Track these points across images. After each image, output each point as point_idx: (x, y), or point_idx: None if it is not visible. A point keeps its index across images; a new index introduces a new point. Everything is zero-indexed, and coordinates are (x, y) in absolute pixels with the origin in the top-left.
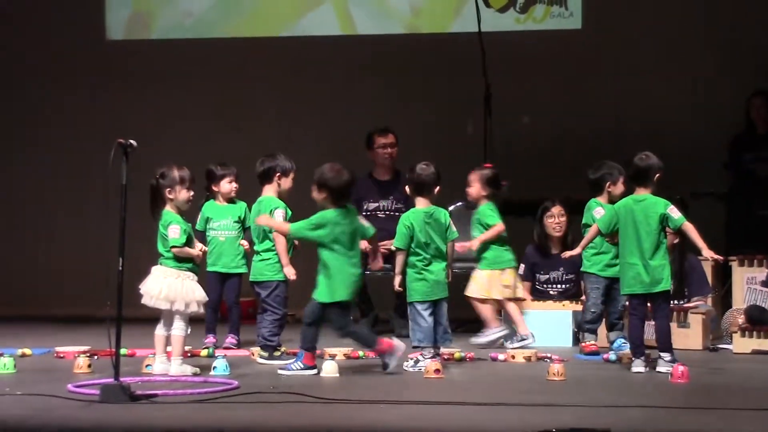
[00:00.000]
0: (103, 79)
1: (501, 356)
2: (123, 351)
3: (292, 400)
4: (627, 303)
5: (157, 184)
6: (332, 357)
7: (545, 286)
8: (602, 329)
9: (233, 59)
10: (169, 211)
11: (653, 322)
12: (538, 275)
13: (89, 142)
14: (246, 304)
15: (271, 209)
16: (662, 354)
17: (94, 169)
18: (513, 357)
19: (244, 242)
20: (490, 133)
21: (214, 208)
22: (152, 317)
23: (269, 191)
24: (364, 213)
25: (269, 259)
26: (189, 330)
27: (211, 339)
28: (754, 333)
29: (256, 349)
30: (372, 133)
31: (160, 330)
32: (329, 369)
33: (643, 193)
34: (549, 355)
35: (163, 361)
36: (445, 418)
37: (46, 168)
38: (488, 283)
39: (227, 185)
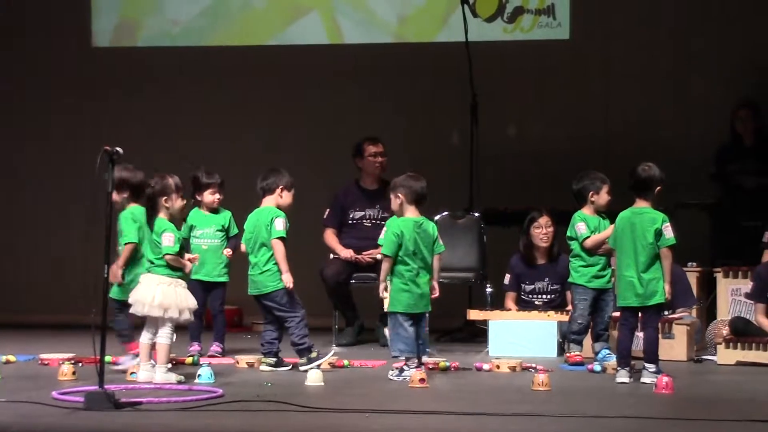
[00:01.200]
0: (89, 87)
1: (486, 366)
2: (107, 358)
3: (276, 409)
4: (617, 314)
5: (152, 192)
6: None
7: (530, 296)
8: (587, 340)
9: (220, 68)
10: (162, 218)
11: (640, 333)
12: (523, 285)
13: (74, 149)
14: (231, 312)
15: (271, 218)
16: (647, 365)
17: (80, 175)
18: (498, 367)
19: (228, 251)
20: (476, 142)
21: (198, 216)
22: (138, 325)
23: (269, 202)
24: (350, 221)
25: (268, 270)
26: (174, 338)
27: (195, 347)
28: (739, 344)
29: (259, 358)
30: (362, 141)
31: (144, 338)
32: (314, 377)
33: (642, 206)
34: (534, 365)
35: (148, 368)
36: (429, 428)
37: (31, 175)
38: None
39: (209, 196)
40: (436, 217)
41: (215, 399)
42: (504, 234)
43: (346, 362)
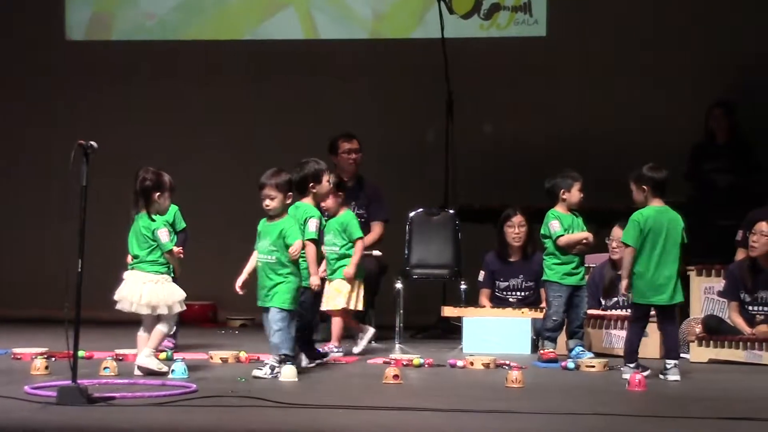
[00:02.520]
0: (63, 80)
1: (460, 363)
2: (81, 353)
3: (250, 404)
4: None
5: (149, 186)
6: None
7: (505, 293)
8: (562, 337)
9: (195, 62)
10: (149, 215)
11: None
12: (497, 282)
13: (47, 143)
14: (205, 308)
15: (305, 218)
16: (673, 362)
17: (53, 169)
18: (472, 364)
19: (178, 249)
20: (452, 139)
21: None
22: (112, 320)
23: (307, 199)
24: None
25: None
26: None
27: (168, 343)
28: (711, 342)
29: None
30: (336, 138)
31: (142, 332)
32: (288, 373)
33: (661, 204)
34: (507, 362)
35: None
36: (403, 424)
37: (3, 169)
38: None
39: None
40: (411, 214)
41: (189, 394)
42: (479, 231)
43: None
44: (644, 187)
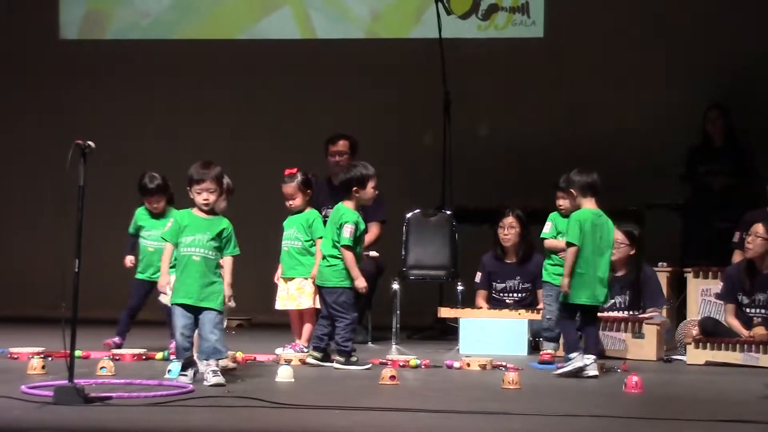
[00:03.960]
0: (56, 79)
1: (456, 364)
2: (77, 353)
3: (246, 405)
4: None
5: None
6: (288, 362)
7: (501, 294)
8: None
9: (190, 61)
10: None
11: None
12: (494, 284)
13: (41, 142)
14: None
15: (341, 222)
16: (589, 356)
17: (47, 168)
18: (468, 365)
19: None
20: (449, 140)
21: (145, 217)
22: (108, 319)
23: (349, 202)
24: (324, 217)
25: (336, 265)
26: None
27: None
28: (708, 344)
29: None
30: (326, 141)
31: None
32: (284, 374)
33: (594, 207)
34: (504, 363)
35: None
36: (399, 425)
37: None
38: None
39: (150, 205)
40: (408, 215)
41: (185, 394)
42: (475, 232)
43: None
44: (572, 191)
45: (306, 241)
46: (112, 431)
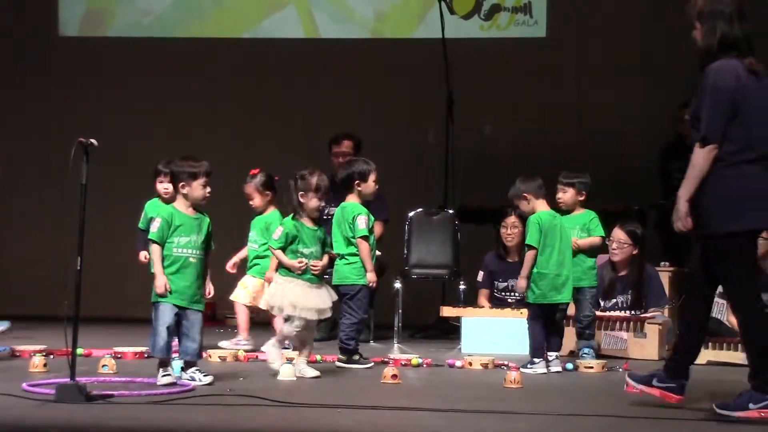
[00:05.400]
0: (55, 76)
1: (458, 363)
2: (79, 351)
3: (248, 403)
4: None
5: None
6: (290, 361)
7: (503, 293)
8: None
9: (193, 60)
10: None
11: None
12: (496, 283)
13: (42, 140)
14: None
15: (353, 216)
16: (552, 353)
17: (48, 166)
18: (470, 364)
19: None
20: (452, 139)
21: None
22: (109, 318)
23: (352, 198)
24: (324, 216)
25: (354, 263)
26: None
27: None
28: (710, 344)
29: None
30: (329, 141)
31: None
32: (286, 373)
33: (547, 208)
34: (506, 362)
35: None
36: (401, 424)
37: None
38: (257, 290)
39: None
40: (410, 214)
41: (186, 393)
42: (478, 231)
43: (318, 357)
44: (525, 195)
45: (262, 244)
46: (114, 429)
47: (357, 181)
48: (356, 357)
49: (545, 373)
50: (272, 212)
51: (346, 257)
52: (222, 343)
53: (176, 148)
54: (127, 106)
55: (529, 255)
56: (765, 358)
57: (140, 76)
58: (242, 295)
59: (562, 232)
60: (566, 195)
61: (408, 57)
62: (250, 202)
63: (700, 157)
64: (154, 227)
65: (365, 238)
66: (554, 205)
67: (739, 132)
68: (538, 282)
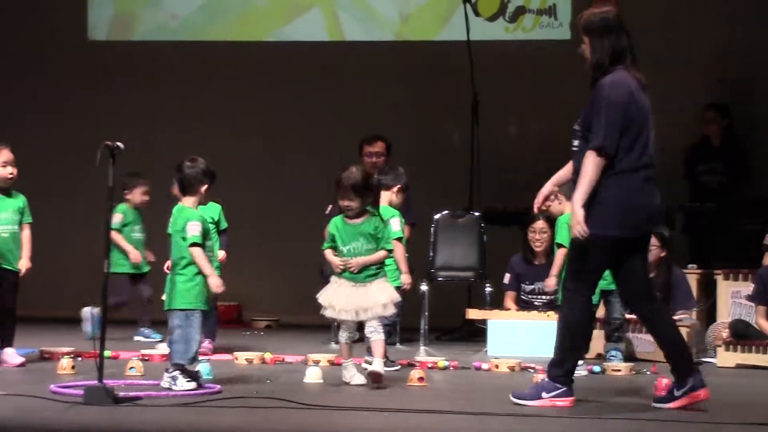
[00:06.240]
0: (84, 80)
1: (485, 365)
2: (107, 353)
3: (275, 406)
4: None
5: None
6: (316, 363)
7: (530, 296)
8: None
9: (219, 63)
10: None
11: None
12: (523, 285)
13: (70, 143)
14: (231, 309)
15: (387, 218)
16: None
17: (76, 169)
18: (497, 366)
19: (222, 253)
20: (477, 141)
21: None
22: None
23: (384, 199)
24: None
25: (388, 264)
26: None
27: (208, 344)
28: (739, 347)
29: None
30: (362, 141)
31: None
32: (313, 375)
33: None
34: (533, 365)
35: (350, 366)
36: (428, 427)
37: (26, 169)
38: None
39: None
40: (436, 216)
41: (214, 395)
42: (504, 233)
43: (346, 363)
44: (557, 196)
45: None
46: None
47: (399, 188)
48: (392, 360)
49: (586, 375)
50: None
51: None
52: (161, 346)
53: (201, 150)
54: (154, 109)
55: (560, 253)
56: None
57: (167, 79)
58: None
59: None
60: None
61: (433, 59)
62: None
63: (594, 166)
64: (196, 231)
65: (399, 239)
66: None
67: (629, 143)
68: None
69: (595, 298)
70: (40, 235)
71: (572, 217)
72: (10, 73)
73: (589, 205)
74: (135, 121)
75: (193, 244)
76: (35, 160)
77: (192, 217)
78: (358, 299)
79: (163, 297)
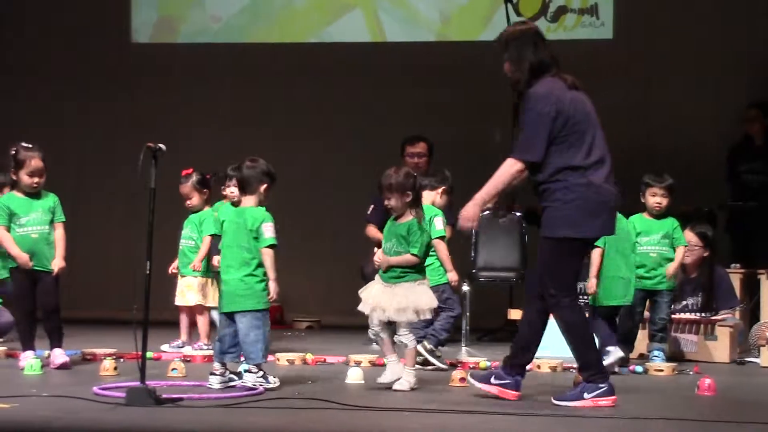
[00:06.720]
0: (128, 82)
1: (527, 366)
2: (149, 354)
3: (316, 407)
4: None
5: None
6: (357, 364)
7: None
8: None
9: (261, 64)
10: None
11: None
12: None
13: (114, 145)
14: (272, 310)
15: (430, 217)
16: (610, 347)
17: (119, 170)
18: (539, 367)
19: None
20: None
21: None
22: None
23: (427, 199)
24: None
25: (431, 264)
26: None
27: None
28: None
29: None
30: (403, 141)
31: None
32: (354, 376)
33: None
34: (575, 365)
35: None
36: (469, 427)
37: (70, 170)
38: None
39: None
40: None
41: (255, 396)
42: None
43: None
44: None
45: (198, 239)
46: None
47: (443, 189)
48: (439, 354)
49: (624, 357)
50: (207, 210)
51: None
52: (164, 347)
53: (242, 152)
54: (195, 111)
55: (595, 254)
56: (582, 351)
57: (209, 81)
58: (192, 297)
59: (625, 235)
60: (666, 200)
61: (474, 59)
62: (188, 202)
63: (507, 169)
64: (273, 232)
65: (442, 238)
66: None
67: (570, 145)
68: (602, 283)
69: (629, 299)
70: (81, 236)
71: (466, 209)
72: (56, 75)
73: (552, 209)
74: (178, 123)
75: (271, 246)
76: (79, 162)
77: (267, 218)
78: (380, 298)
79: (177, 298)
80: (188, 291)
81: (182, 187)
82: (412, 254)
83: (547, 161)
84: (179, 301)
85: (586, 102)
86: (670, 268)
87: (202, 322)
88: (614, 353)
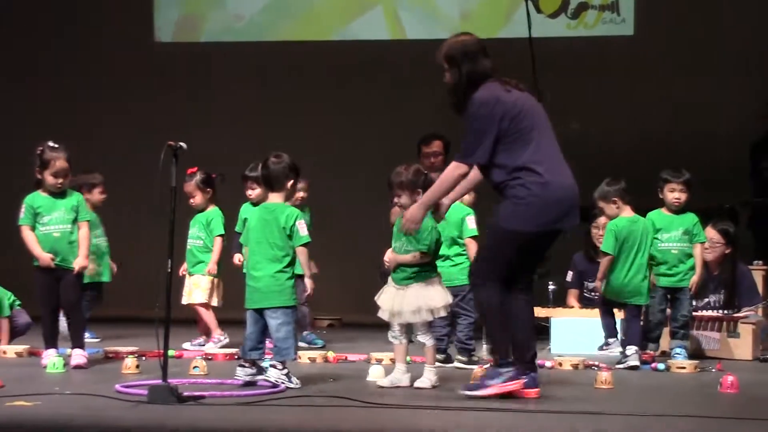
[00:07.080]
0: (151, 81)
1: (548, 363)
2: (171, 352)
3: (338, 404)
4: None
5: None
6: (379, 362)
7: (593, 293)
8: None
9: (283, 62)
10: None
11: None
12: (586, 283)
13: (136, 142)
14: None
15: (462, 216)
16: (631, 348)
17: (141, 169)
18: (560, 364)
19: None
20: None
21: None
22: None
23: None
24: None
25: (461, 263)
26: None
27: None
28: None
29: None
30: (419, 142)
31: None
32: (376, 374)
33: (631, 214)
34: (596, 363)
35: (402, 370)
36: (490, 425)
37: (93, 168)
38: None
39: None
40: None
41: (277, 393)
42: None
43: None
44: (614, 199)
45: (207, 239)
46: (206, 430)
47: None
48: (475, 358)
49: (620, 353)
50: (213, 209)
51: (451, 258)
52: (186, 345)
53: (265, 151)
54: (218, 109)
55: (604, 260)
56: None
57: (232, 79)
58: (199, 295)
59: (642, 237)
60: (685, 195)
61: (494, 56)
62: (191, 201)
63: (451, 173)
64: (305, 230)
65: (475, 238)
66: (642, 204)
67: (518, 145)
68: (612, 283)
69: (642, 300)
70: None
71: (412, 213)
72: (79, 73)
73: (509, 202)
74: (201, 122)
75: (305, 244)
76: (101, 161)
77: (300, 215)
78: (394, 303)
79: (184, 298)
80: (195, 289)
81: (186, 186)
82: (422, 251)
83: (498, 162)
84: (185, 300)
85: (532, 101)
86: (694, 277)
87: (209, 316)
88: (612, 347)
